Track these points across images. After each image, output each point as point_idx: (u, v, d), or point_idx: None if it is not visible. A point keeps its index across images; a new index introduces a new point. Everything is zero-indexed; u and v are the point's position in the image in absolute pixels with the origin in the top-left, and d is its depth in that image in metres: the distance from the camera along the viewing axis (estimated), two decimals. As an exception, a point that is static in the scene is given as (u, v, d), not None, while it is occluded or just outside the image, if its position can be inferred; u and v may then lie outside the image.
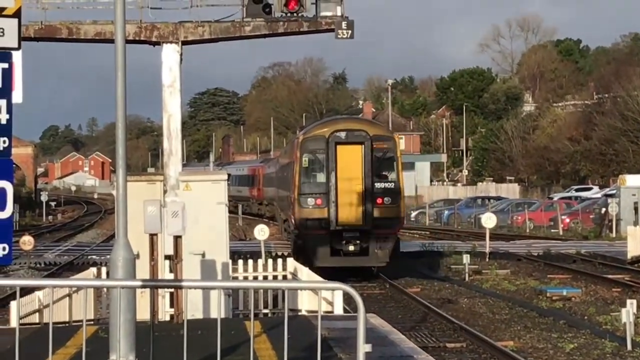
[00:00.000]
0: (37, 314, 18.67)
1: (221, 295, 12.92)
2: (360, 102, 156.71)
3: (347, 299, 19.32)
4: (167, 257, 18.44)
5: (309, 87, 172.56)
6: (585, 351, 19.33)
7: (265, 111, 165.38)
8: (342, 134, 33.15)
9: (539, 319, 23.84)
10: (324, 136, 33.25)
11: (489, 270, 35.45)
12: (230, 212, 22.62)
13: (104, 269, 22.44)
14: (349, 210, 32.68)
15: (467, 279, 33.38)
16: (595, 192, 77.71)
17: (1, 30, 9.83)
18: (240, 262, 24.33)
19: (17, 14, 9.88)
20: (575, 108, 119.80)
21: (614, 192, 59.06)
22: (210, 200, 18.61)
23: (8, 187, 9.80)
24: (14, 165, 10.84)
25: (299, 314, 19.96)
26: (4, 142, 9.84)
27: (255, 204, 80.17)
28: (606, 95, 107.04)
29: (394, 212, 33.03)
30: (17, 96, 10.75)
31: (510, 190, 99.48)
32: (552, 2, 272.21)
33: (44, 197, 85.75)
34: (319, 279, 19.80)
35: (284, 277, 23.87)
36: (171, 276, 18.36)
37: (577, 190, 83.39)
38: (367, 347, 9.28)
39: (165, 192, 20.11)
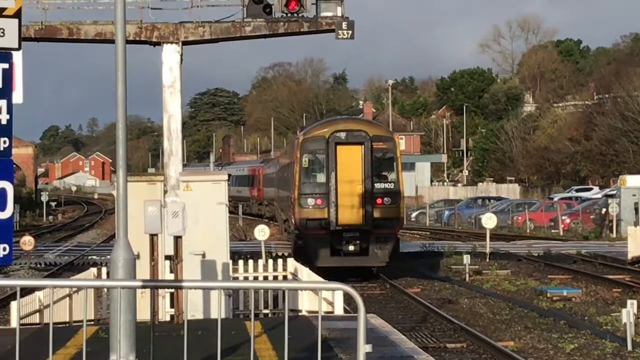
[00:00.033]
0: (37, 314, 18.67)
1: (221, 296, 12.92)
2: (361, 102, 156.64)
3: (348, 300, 19.33)
4: (167, 257, 18.45)
5: (309, 87, 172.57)
6: (585, 351, 19.32)
7: (265, 111, 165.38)
8: (342, 135, 33.17)
9: (540, 320, 23.83)
10: (324, 136, 33.27)
11: (490, 270, 35.45)
12: (230, 212, 22.63)
13: (104, 269, 22.44)
14: (349, 211, 32.71)
15: (467, 279, 33.37)
16: (595, 193, 77.72)
17: (1, 30, 9.82)
18: (241, 262, 24.32)
19: (17, 14, 9.87)
20: (575, 108, 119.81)
21: (614, 192, 59.03)
22: (210, 200, 18.60)
23: (8, 187, 9.79)
24: (14, 166, 10.84)
25: (300, 314, 19.97)
26: (5, 142, 9.84)
27: (256, 204, 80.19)
28: (606, 95, 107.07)
29: (394, 212, 33.08)
30: (17, 96, 10.75)
31: (511, 191, 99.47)
32: (553, 3, 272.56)
33: (44, 198, 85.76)
34: (320, 279, 19.79)
35: (284, 278, 23.87)
36: (171, 276, 18.38)
37: (577, 190, 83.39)
38: (368, 348, 9.28)
39: (165, 192, 20.09)
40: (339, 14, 28.60)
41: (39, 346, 12.76)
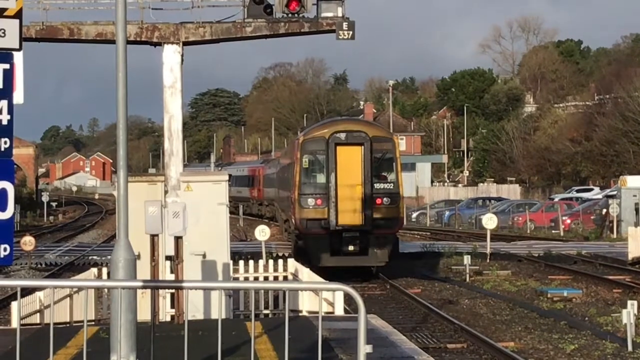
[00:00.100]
0: (38, 314, 18.68)
1: (222, 296, 12.93)
2: (361, 103, 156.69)
3: (348, 300, 19.35)
4: (168, 257, 18.46)
5: (310, 88, 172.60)
6: (585, 352, 19.33)
7: (266, 112, 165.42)
8: (342, 135, 33.22)
9: (540, 320, 23.84)
10: (324, 137, 33.32)
11: (490, 271, 35.46)
12: (231, 212, 22.63)
13: (104, 270, 22.45)
14: (348, 211, 32.77)
15: (467, 279, 33.37)
16: (596, 193, 77.71)
17: (2, 31, 9.82)
18: (241, 262, 24.34)
19: (18, 15, 9.88)
20: (576, 109, 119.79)
21: (614, 193, 59.04)
22: (211, 200, 18.61)
23: (9, 187, 9.79)
24: (15, 166, 10.85)
25: (300, 314, 19.98)
26: (5, 142, 9.84)
27: (256, 204, 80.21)
28: (607, 96, 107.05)
29: (393, 212, 33.15)
30: (18, 97, 10.75)
31: (511, 191, 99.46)
32: (553, 3, 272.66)
33: (45, 198, 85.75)
34: (320, 279, 19.80)
35: (285, 278, 23.88)
36: (172, 277, 18.38)
37: (578, 191, 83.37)
38: (368, 348, 9.28)
39: (166, 192, 20.11)
40: (340, 15, 28.60)
41: (40, 346, 12.78)
